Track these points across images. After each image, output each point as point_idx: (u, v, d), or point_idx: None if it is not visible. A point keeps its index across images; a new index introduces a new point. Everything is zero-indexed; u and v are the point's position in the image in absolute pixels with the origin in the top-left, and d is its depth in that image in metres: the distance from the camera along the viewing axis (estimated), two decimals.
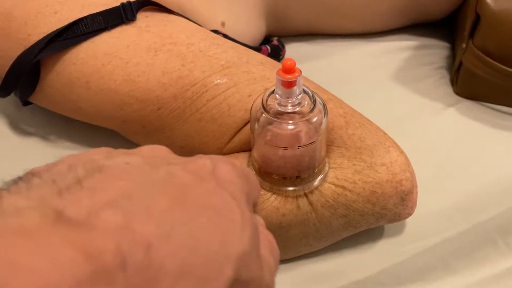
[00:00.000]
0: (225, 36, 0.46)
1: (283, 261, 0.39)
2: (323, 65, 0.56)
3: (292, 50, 0.58)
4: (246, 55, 0.39)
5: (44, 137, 0.44)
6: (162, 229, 0.16)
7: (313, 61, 0.57)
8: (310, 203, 0.35)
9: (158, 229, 0.16)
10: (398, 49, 0.59)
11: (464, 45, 0.54)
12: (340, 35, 0.60)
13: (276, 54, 0.53)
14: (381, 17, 0.59)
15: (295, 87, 0.30)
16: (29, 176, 0.18)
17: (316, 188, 0.34)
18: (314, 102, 0.32)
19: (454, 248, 0.43)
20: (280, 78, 0.30)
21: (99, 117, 0.38)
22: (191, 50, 0.37)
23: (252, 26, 0.51)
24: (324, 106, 0.32)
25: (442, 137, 0.51)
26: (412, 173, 0.38)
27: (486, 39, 0.51)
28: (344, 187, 0.35)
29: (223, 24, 0.48)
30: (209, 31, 0.41)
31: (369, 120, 0.39)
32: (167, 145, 0.40)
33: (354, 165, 0.36)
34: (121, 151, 0.21)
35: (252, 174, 0.26)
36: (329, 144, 0.36)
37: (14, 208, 0.15)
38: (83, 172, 0.18)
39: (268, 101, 0.31)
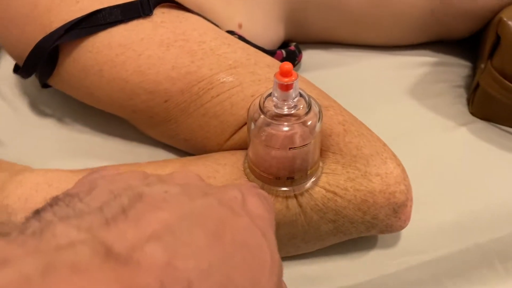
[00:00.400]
0: (240, 37, 0.48)
1: None
2: (337, 73, 0.57)
3: (309, 56, 0.59)
4: (255, 56, 0.40)
5: (60, 119, 0.46)
6: (201, 266, 0.17)
7: (329, 68, 0.58)
8: (300, 205, 0.35)
9: (197, 266, 0.17)
10: (416, 64, 0.59)
11: (483, 66, 0.53)
12: (358, 46, 0.60)
13: (291, 59, 0.54)
14: (401, 31, 0.59)
15: (291, 90, 0.31)
16: (68, 199, 0.19)
17: (307, 190, 0.35)
18: (310, 106, 0.32)
19: (449, 267, 0.43)
20: (277, 81, 0.31)
21: (110, 105, 0.40)
22: (201, 48, 0.39)
23: (269, 30, 0.52)
24: (320, 110, 0.33)
25: (449, 155, 0.50)
26: (407, 186, 0.38)
27: (504, 61, 0.51)
28: (335, 193, 0.36)
29: (240, 26, 0.49)
30: (222, 31, 0.42)
31: (369, 130, 0.40)
32: (172, 137, 0.42)
33: (347, 172, 0.36)
34: (156, 177, 0.22)
35: (269, 198, 0.27)
36: (325, 150, 0.37)
37: (67, 240, 0.16)
38: (127, 201, 0.19)
39: (265, 102, 0.32)
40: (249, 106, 0.33)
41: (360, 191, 0.36)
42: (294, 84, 0.31)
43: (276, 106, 0.32)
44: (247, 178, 0.36)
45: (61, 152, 0.43)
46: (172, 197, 0.20)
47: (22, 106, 0.47)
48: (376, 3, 0.55)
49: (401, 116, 0.54)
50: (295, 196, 0.35)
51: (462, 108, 0.56)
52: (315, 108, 0.33)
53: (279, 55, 0.51)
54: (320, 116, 0.33)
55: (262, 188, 0.35)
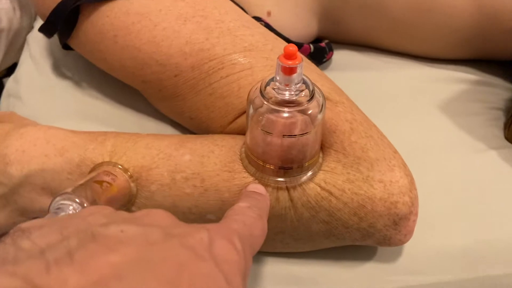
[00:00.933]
0: (267, 25, 0.46)
1: (259, 252, 0.38)
2: (368, 77, 0.55)
3: (341, 56, 0.56)
4: (273, 43, 0.39)
5: (77, 82, 0.46)
6: None
7: (359, 71, 0.55)
8: (291, 199, 0.34)
9: None
10: (454, 80, 0.56)
11: None
12: (395, 53, 0.58)
13: (319, 56, 0.52)
14: (443, 44, 0.55)
15: (294, 75, 0.30)
16: (18, 234, 0.18)
17: (300, 185, 0.33)
18: (313, 94, 0.31)
19: None
20: (280, 63, 0.29)
21: (122, 72, 0.40)
22: (219, 27, 0.38)
23: (299, 22, 0.51)
24: (323, 101, 0.31)
25: (472, 177, 0.47)
26: (413, 199, 0.36)
27: None
28: (330, 192, 0.34)
29: (269, 14, 0.48)
30: (245, 15, 0.41)
31: (381, 135, 0.37)
32: (179, 114, 0.41)
33: (348, 173, 0.34)
34: (119, 215, 0.22)
35: (257, 228, 0.27)
36: (328, 147, 0.35)
37: None
38: (76, 242, 0.18)
39: (267, 87, 0.31)
40: (251, 89, 0.32)
41: (359, 195, 0.34)
42: (298, 68, 0.29)
43: (277, 90, 0.30)
44: (242, 163, 0.34)
45: (71, 114, 0.44)
46: (128, 238, 0.19)
47: (45, 66, 0.48)
48: (419, 12, 0.52)
49: (427, 130, 0.51)
50: (287, 189, 0.33)
51: (496, 131, 0.52)
52: (318, 98, 0.31)
53: (306, 49, 0.50)
54: (322, 107, 0.31)
55: (254, 174, 0.34)
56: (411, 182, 0.36)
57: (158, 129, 0.43)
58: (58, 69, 0.48)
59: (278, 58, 0.29)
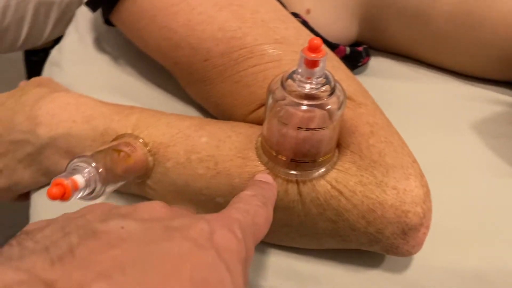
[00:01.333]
0: (304, 22, 0.47)
1: (264, 243, 0.39)
2: (403, 87, 0.54)
3: (378, 63, 0.56)
4: (305, 39, 0.39)
5: (115, 58, 0.48)
6: None
7: (395, 80, 0.54)
8: (300, 193, 0.34)
9: None
10: (491, 100, 0.54)
11: None
12: (435, 67, 0.57)
13: (355, 59, 0.52)
14: (486, 63, 0.54)
15: (317, 68, 0.30)
16: (22, 237, 0.19)
17: (311, 181, 0.34)
18: (333, 90, 0.31)
19: None
20: (303, 55, 0.29)
21: (156, 52, 0.41)
22: (253, 17, 0.39)
23: (338, 23, 0.51)
24: (344, 99, 0.31)
25: (496, 201, 0.45)
26: (425, 211, 0.35)
27: None
28: (340, 192, 0.34)
29: (308, 11, 0.48)
30: (283, 9, 0.41)
31: (402, 143, 0.37)
32: (206, 99, 0.42)
33: (361, 175, 0.34)
34: (118, 210, 0.22)
35: (260, 217, 0.27)
36: (344, 147, 0.35)
37: (2, 284, 0.15)
38: (77, 239, 0.18)
39: (288, 77, 0.31)
40: (272, 79, 0.32)
41: (369, 199, 0.34)
42: (320, 62, 0.30)
43: (298, 83, 0.31)
44: (256, 151, 0.35)
45: (104, 86, 0.46)
46: (128, 233, 0.19)
47: (88, 40, 0.50)
48: (465, 27, 0.51)
49: (456, 147, 0.49)
50: (297, 183, 0.34)
51: None
52: (338, 94, 0.31)
53: (341, 51, 0.50)
54: (342, 104, 0.31)
55: (266, 165, 0.34)
56: (426, 194, 0.36)
57: (184, 112, 0.44)
58: (99, 43, 0.50)
59: (301, 50, 0.29)
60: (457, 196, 0.45)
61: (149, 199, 0.40)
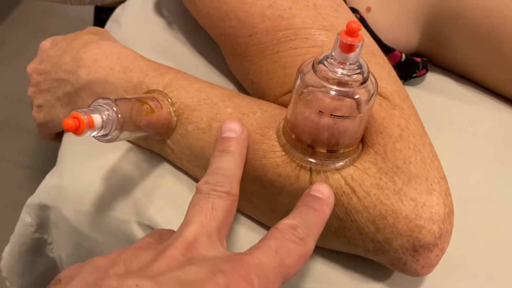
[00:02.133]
0: (362, 19, 0.45)
1: (267, 228, 0.38)
2: (456, 108, 0.50)
3: (435, 79, 0.53)
4: None
5: (169, 23, 0.49)
6: None
7: (449, 99, 0.51)
8: (311, 182, 0.32)
9: None
10: None
11: None
12: (497, 94, 0.53)
13: (409, 69, 0.49)
14: None
15: (352, 53, 0.28)
16: (55, 282, 0.23)
17: (325, 172, 0.32)
18: (366, 80, 0.29)
19: None
20: (339, 38, 0.28)
21: (205, 20, 0.42)
22: (306, 1, 0.38)
23: (399, 28, 0.48)
24: (375, 91, 0.30)
25: None
26: (443, 232, 0.33)
27: None
28: (354, 190, 0.32)
29: (368, 9, 0.47)
30: (341, 0, 0.40)
31: (434, 156, 0.35)
32: (243, 75, 0.42)
33: (380, 178, 0.32)
34: (140, 263, 0.24)
35: (292, 256, 0.26)
36: (369, 145, 0.33)
37: None
38: None
39: (320, 61, 0.30)
40: (304, 61, 0.31)
41: (383, 204, 0.32)
42: (357, 47, 0.28)
43: (330, 67, 0.29)
44: (276, 132, 0.34)
45: (153, 47, 0.47)
46: None
47: (150, 2, 0.51)
48: None
49: (499, 180, 0.46)
50: (310, 171, 0.32)
51: None
52: (370, 86, 0.30)
53: (396, 56, 0.47)
54: (372, 97, 0.30)
55: (283, 146, 0.33)
56: (448, 214, 0.33)
57: (222, 85, 0.44)
58: (159, 7, 0.51)
59: (338, 33, 0.28)
60: (488, 229, 0.42)
61: (167, 160, 0.40)
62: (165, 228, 0.32)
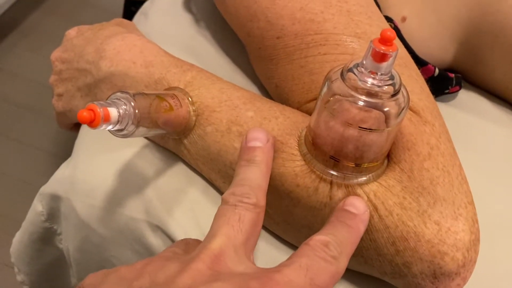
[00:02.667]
0: (396, 29, 0.43)
1: (282, 241, 0.36)
2: (489, 129, 0.48)
3: (469, 97, 0.50)
4: None
5: (197, 20, 0.48)
6: None
7: (484, 121, 0.49)
8: (330, 197, 0.31)
9: None
10: None
11: None
12: None
13: (442, 84, 0.47)
14: None
15: (385, 63, 0.27)
16: None
17: (347, 187, 0.30)
18: (397, 92, 0.28)
19: None
20: (372, 46, 0.27)
21: (234, 19, 0.40)
22: (339, 5, 0.36)
23: (434, 41, 0.46)
24: (405, 105, 0.28)
25: None
26: (467, 261, 0.31)
27: None
28: (376, 208, 0.30)
29: (403, 19, 0.45)
30: (375, 6, 0.38)
31: (463, 179, 0.33)
32: (268, 78, 0.40)
33: (404, 198, 0.30)
34: (163, 278, 0.24)
35: (323, 275, 0.25)
36: (395, 162, 0.31)
37: None
38: None
39: (350, 69, 0.28)
40: (333, 68, 0.29)
41: (405, 226, 0.30)
42: (390, 57, 0.27)
43: (360, 76, 0.28)
44: (298, 140, 0.32)
45: (177, 42, 0.46)
46: None
47: None
48: None
49: None
50: (331, 184, 0.31)
51: None
52: (401, 99, 0.28)
53: (429, 70, 0.45)
54: (402, 111, 0.28)
55: (304, 156, 0.31)
56: (474, 242, 0.31)
57: (244, 87, 0.43)
58: (188, 3, 0.50)
59: (371, 41, 0.27)
60: None
61: (182, 160, 0.39)
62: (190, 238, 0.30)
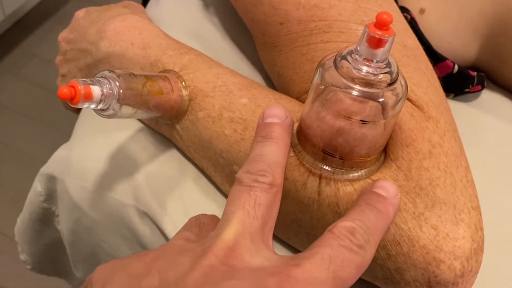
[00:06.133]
0: (413, 21, 0.41)
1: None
2: (509, 132, 0.45)
3: (491, 98, 0.47)
4: (400, 33, 0.33)
5: (206, 5, 0.47)
6: None
7: (504, 123, 0.45)
8: (319, 192, 0.29)
9: None
10: None
11: None
12: None
13: (462, 82, 0.44)
14: None
15: (380, 49, 0.25)
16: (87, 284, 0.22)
17: (336, 182, 0.28)
18: (394, 81, 0.25)
19: None
20: (367, 31, 0.24)
21: (238, 4, 0.39)
22: None
23: (455, 36, 0.43)
24: (403, 95, 0.26)
25: None
26: (466, 271, 0.28)
27: None
28: None
29: (422, 11, 0.42)
30: None
31: (468, 182, 0.30)
32: (271, 66, 0.39)
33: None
34: (172, 278, 0.22)
35: (348, 267, 0.23)
36: (392, 159, 0.29)
37: None
38: None
39: (343, 56, 0.26)
40: (326, 55, 0.27)
41: (398, 228, 0.28)
42: (387, 43, 0.24)
43: (354, 63, 0.26)
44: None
45: (184, 27, 0.44)
46: None
47: None
48: None
49: None
50: (319, 179, 0.29)
51: None
52: (398, 88, 0.26)
53: (448, 66, 0.42)
54: (399, 101, 0.26)
55: (294, 147, 0.30)
56: (476, 251, 0.29)
57: (249, 77, 0.41)
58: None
59: (366, 25, 0.24)
60: None
61: (176, 146, 0.38)
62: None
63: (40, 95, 1.23)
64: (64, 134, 0.42)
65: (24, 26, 1.36)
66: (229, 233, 0.23)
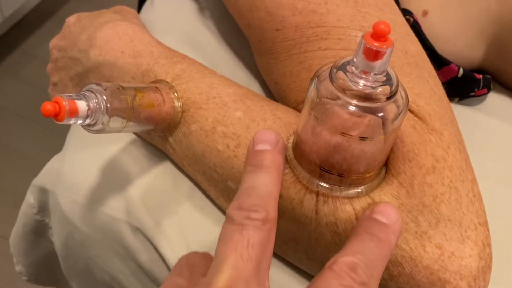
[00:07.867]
0: (415, 24, 0.39)
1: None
2: (509, 132, 0.43)
3: (498, 101, 0.45)
4: (401, 38, 0.32)
5: (201, 9, 0.45)
6: None
7: (509, 124, 0.44)
8: (316, 211, 0.27)
9: None
10: None
11: None
12: None
13: (467, 86, 0.42)
14: None
15: (378, 61, 0.23)
16: None
17: (334, 201, 0.27)
18: (394, 94, 0.24)
19: None
20: (364, 42, 0.23)
21: (234, 8, 0.37)
22: None
23: (459, 38, 0.42)
24: (404, 108, 0.24)
25: None
26: None
27: None
28: None
29: (425, 13, 0.40)
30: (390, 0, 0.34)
31: (474, 196, 0.28)
32: (268, 73, 0.37)
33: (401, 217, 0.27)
34: None
35: None
36: (393, 174, 0.28)
37: None
38: None
39: (339, 68, 0.25)
40: (321, 67, 0.26)
41: (400, 249, 0.26)
42: (384, 55, 0.23)
43: (351, 76, 0.24)
44: (287, 141, 0.29)
45: (179, 31, 0.43)
46: None
47: None
48: None
49: None
50: (317, 196, 0.27)
51: None
52: (399, 101, 0.24)
53: (452, 70, 0.41)
54: (399, 116, 0.24)
55: (290, 162, 0.28)
56: (484, 270, 0.27)
57: (246, 85, 0.40)
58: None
59: (362, 36, 0.23)
60: None
61: (170, 159, 0.36)
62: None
63: (40, 97, 1.22)
64: (64, 137, 0.41)
65: (23, 27, 1.35)
66: (221, 281, 0.21)
